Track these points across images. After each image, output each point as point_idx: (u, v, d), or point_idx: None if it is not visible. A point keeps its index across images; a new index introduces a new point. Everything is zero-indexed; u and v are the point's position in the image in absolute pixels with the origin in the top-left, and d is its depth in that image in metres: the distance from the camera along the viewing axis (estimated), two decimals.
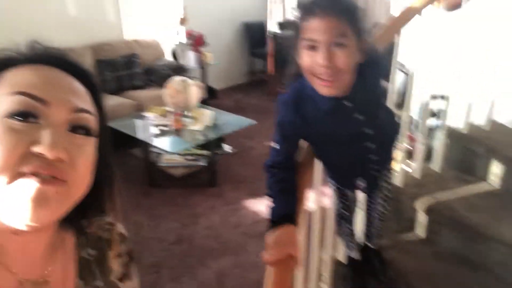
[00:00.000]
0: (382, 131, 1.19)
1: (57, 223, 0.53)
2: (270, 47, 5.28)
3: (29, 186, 0.43)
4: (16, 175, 0.43)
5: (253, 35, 5.70)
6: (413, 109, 2.03)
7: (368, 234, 1.52)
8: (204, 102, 4.24)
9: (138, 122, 3.28)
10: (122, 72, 3.96)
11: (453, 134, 1.86)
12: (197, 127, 3.13)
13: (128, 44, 4.22)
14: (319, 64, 0.91)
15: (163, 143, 2.97)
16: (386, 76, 1.37)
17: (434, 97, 1.93)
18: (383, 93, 1.24)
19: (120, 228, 0.65)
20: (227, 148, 3.67)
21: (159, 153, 3.32)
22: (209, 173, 3.17)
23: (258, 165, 3.58)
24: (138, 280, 0.66)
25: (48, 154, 0.44)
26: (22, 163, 0.43)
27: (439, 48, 1.97)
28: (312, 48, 0.91)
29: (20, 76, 0.48)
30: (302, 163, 1.14)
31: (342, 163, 1.23)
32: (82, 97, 0.51)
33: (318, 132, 1.10)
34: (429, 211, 1.58)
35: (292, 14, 0.99)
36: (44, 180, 0.44)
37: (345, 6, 0.93)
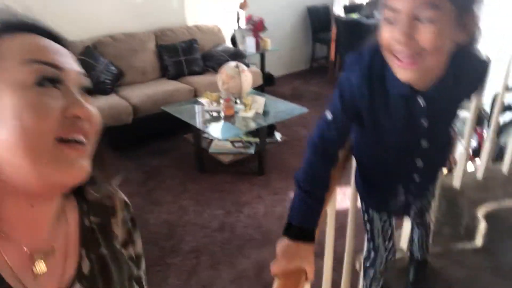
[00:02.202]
0: (437, 152, 1.02)
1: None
2: (334, 31, 5.03)
3: (69, 154, 0.46)
4: (54, 141, 0.45)
5: (317, 19, 5.47)
6: (485, 101, 1.76)
7: (411, 244, 1.35)
8: (261, 89, 4.17)
9: (193, 108, 3.31)
10: (182, 57, 4.03)
11: None
12: (248, 114, 3.07)
13: (189, 30, 4.27)
14: (397, 40, 0.74)
15: (214, 130, 2.96)
16: (479, 90, 1.03)
17: (509, 89, 1.64)
18: (460, 110, 1.01)
19: (122, 195, 0.64)
20: (278, 136, 3.57)
21: (210, 140, 3.33)
22: (257, 161, 3.11)
23: None
24: (141, 245, 0.67)
25: (82, 115, 0.47)
26: (59, 128, 0.45)
27: None
28: (392, 21, 0.75)
29: (24, 43, 0.48)
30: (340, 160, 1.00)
31: (383, 171, 1.07)
32: (74, 60, 0.53)
33: (373, 121, 0.92)
34: (490, 217, 1.35)
35: None
36: (79, 147, 0.47)
37: None
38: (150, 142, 3.55)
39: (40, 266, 0.50)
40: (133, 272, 0.63)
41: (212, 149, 3.28)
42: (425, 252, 1.33)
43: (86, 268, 0.55)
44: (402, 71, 0.78)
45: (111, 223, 0.61)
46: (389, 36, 0.76)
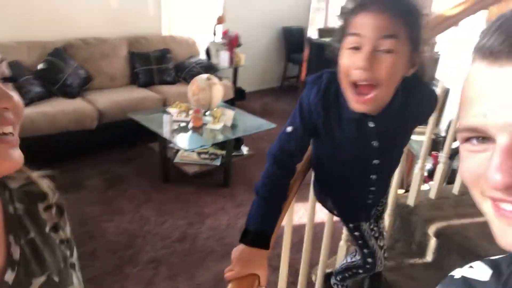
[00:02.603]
0: (389, 166, 1.09)
1: None
2: (306, 53, 5.17)
3: (5, 149, 0.45)
4: None
5: (291, 40, 5.62)
6: (443, 127, 1.86)
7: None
8: (232, 103, 4.20)
9: (160, 117, 3.28)
10: (153, 66, 4.01)
11: None
12: (216, 126, 3.08)
13: (163, 39, 4.27)
14: (358, 66, 0.78)
15: (181, 140, 2.95)
16: (428, 116, 1.10)
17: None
18: (411, 133, 1.07)
19: (47, 182, 0.63)
20: (244, 150, 3.60)
21: (176, 150, 3.31)
22: (223, 173, 3.11)
23: None
24: (69, 230, 0.66)
25: (9, 105, 0.46)
26: None
27: None
28: (355, 48, 0.79)
29: None
30: (297, 172, 1.03)
31: (342, 185, 1.12)
32: None
33: (329, 137, 0.97)
34: (440, 234, 1.42)
35: (342, 8, 0.86)
36: (9, 138, 0.46)
37: (404, 7, 0.79)
38: (114, 149, 3.48)
39: None
40: (67, 255, 0.63)
41: (178, 159, 3.26)
42: (381, 264, 1.38)
43: (16, 253, 0.54)
44: (359, 105, 0.83)
45: (38, 209, 0.60)
46: (349, 62, 0.80)
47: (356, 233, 1.20)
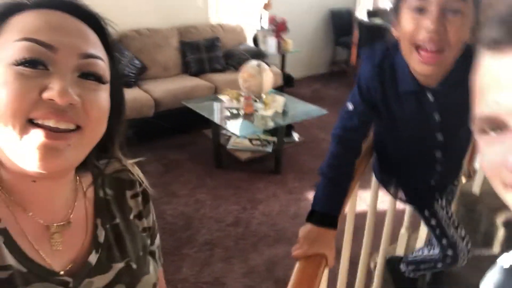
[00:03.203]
0: (455, 144, 1.03)
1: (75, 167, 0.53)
2: (355, 35, 5.02)
3: (38, 138, 0.43)
4: (27, 123, 0.44)
5: (340, 23, 5.46)
6: None
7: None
8: (280, 90, 4.20)
9: (212, 104, 3.35)
10: (204, 54, 4.08)
11: None
12: (267, 112, 3.10)
13: (212, 28, 4.33)
14: (427, 29, 0.74)
15: (233, 126, 3.00)
16: None
17: None
18: None
19: (137, 170, 0.66)
20: (296, 136, 3.59)
21: (229, 136, 3.37)
22: (274, 160, 3.14)
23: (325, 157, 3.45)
24: (154, 219, 0.68)
25: (59, 99, 0.43)
26: (33, 110, 0.43)
27: None
28: (420, 10, 0.75)
29: (25, 22, 0.46)
30: (362, 153, 1.03)
31: (406, 163, 1.09)
32: (91, 42, 0.49)
33: (389, 112, 0.95)
34: (508, 224, 1.35)
35: None
36: (54, 135, 0.44)
37: None
38: (169, 136, 3.61)
39: (56, 239, 0.52)
40: (147, 243, 0.65)
41: (230, 145, 3.32)
42: None
43: (101, 237, 0.57)
44: (425, 67, 0.79)
45: (126, 196, 0.63)
46: (415, 25, 0.76)
47: (433, 222, 1.15)
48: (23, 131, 0.43)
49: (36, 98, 0.43)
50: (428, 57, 0.76)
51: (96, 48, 0.50)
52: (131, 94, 3.42)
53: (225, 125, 3.01)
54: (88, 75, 0.48)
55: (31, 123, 0.44)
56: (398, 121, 0.97)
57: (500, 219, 1.39)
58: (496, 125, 0.35)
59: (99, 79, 0.49)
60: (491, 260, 1.33)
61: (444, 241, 1.16)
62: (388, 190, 1.22)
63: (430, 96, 0.89)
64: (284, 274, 2.14)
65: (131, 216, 0.63)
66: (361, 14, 5.33)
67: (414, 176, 1.11)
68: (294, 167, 3.21)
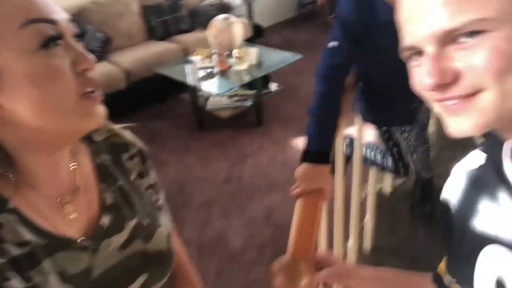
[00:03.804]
0: None
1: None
2: None
3: (96, 105, 0.49)
4: (77, 97, 0.47)
5: None
6: None
7: (416, 164, 1.43)
8: (250, 41, 4.11)
9: (185, 67, 3.28)
10: (168, 16, 3.93)
11: None
12: (242, 66, 3.06)
13: None
14: None
15: (209, 86, 2.97)
16: None
17: None
18: None
19: (129, 132, 0.67)
20: (274, 86, 3.58)
21: (207, 96, 3.34)
22: (256, 113, 3.15)
23: (305, 103, 3.46)
24: (155, 175, 0.71)
25: (90, 66, 0.48)
26: (77, 85, 0.47)
27: None
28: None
29: (12, 6, 0.44)
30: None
31: (386, 90, 1.12)
32: (60, 7, 0.50)
33: (370, 43, 0.97)
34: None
35: None
36: (95, 95, 0.49)
37: None
38: (146, 106, 3.56)
39: (69, 208, 0.55)
40: (153, 199, 0.68)
41: (210, 106, 3.30)
42: (429, 171, 1.42)
43: (109, 199, 0.59)
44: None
45: (122, 158, 0.64)
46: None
47: (395, 149, 1.24)
48: (77, 106, 0.47)
49: (73, 74, 0.47)
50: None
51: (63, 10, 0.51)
52: (99, 68, 3.28)
53: (201, 86, 2.97)
54: (77, 37, 0.50)
55: (80, 96, 0.48)
56: (380, 52, 0.98)
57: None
58: (416, 52, 0.42)
59: (81, 37, 0.51)
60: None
61: (399, 163, 1.31)
62: (368, 120, 1.26)
63: None
64: (282, 219, 2.22)
65: (132, 177, 0.65)
66: None
67: (396, 101, 1.14)
68: (276, 117, 3.24)
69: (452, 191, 0.54)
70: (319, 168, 0.93)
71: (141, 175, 0.67)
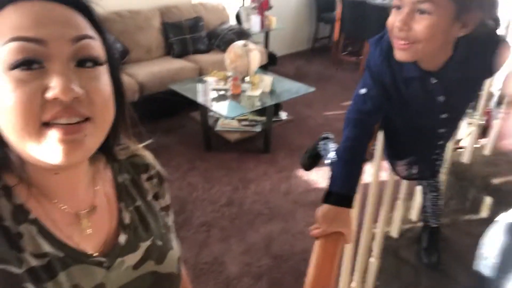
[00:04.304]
0: (457, 118, 1.12)
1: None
2: (339, 11, 5.00)
3: (56, 137, 0.44)
4: (40, 127, 0.44)
5: None
6: (494, 82, 1.80)
7: (424, 213, 1.43)
8: (264, 68, 4.18)
9: (199, 86, 3.33)
10: (187, 35, 4.01)
11: None
12: (255, 93, 3.10)
13: (194, 7, 4.24)
14: (396, 25, 0.84)
15: (220, 108, 2.99)
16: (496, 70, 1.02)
17: None
18: (480, 88, 1.09)
19: (149, 153, 0.67)
20: (283, 115, 3.61)
21: (217, 118, 3.37)
22: (263, 139, 3.16)
23: (314, 134, 3.48)
24: (169, 197, 0.70)
25: (63, 97, 0.43)
26: (42, 113, 0.43)
27: None
28: (398, 8, 0.85)
29: (6, 20, 0.43)
30: None
31: (408, 140, 1.15)
32: (78, 24, 0.47)
33: (397, 95, 1.01)
34: (497, 190, 1.42)
35: None
36: (70, 129, 0.44)
37: None
38: (156, 120, 3.58)
39: (85, 223, 0.55)
40: (167, 221, 0.68)
41: (219, 127, 3.32)
42: (438, 219, 1.41)
43: (127, 219, 0.60)
44: (399, 52, 0.88)
45: (141, 179, 0.65)
46: (392, 20, 0.87)
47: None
48: (40, 135, 0.44)
49: (42, 101, 0.43)
50: (400, 45, 0.86)
51: (85, 28, 0.48)
52: None
53: (213, 107, 3.00)
54: (85, 62, 0.46)
55: (45, 125, 0.44)
56: (406, 103, 1.02)
57: (488, 186, 1.46)
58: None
59: (96, 61, 0.47)
60: (479, 224, 1.41)
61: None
62: (394, 169, 1.27)
63: (433, 80, 0.94)
64: (282, 249, 2.20)
65: (149, 198, 0.65)
66: None
67: (419, 153, 1.17)
68: (283, 145, 3.25)
69: (491, 245, 0.52)
70: (341, 211, 0.92)
71: (157, 197, 0.67)
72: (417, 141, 1.14)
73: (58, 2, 0.46)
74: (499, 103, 1.77)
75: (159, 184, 0.68)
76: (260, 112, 3.28)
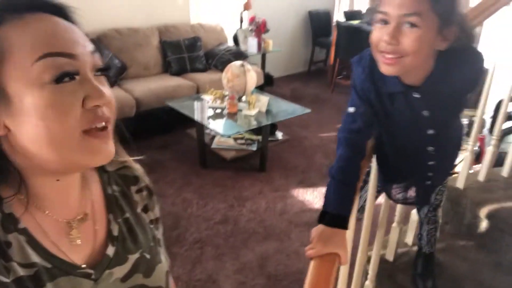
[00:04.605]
0: (446, 137, 1.10)
1: None
2: (334, 36, 5.13)
3: (98, 142, 0.48)
4: (80, 133, 0.47)
5: (318, 24, 5.57)
6: (487, 109, 1.86)
7: (420, 239, 1.44)
8: (261, 89, 4.24)
9: (196, 104, 3.36)
10: (185, 54, 4.07)
11: None
12: (251, 112, 3.14)
13: (193, 28, 4.32)
14: (384, 40, 0.85)
15: (217, 126, 3.02)
16: (476, 83, 1.04)
17: None
18: (464, 103, 1.08)
19: (139, 166, 0.68)
20: (279, 135, 3.65)
21: (213, 135, 3.39)
22: (259, 158, 3.18)
23: (309, 155, 3.51)
24: (158, 209, 0.71)
25: (101, 102, 0.47)
26: (83, 121, 0.47)
27: None
28: (384, 22, 0.86)
29: (34, 34, 0.45)
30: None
31: (399, 160, 1.16)
32: (85, 37, 0.50)
33: (383, 111, 1.02)
34: (492, 216, 1.45)
35: None
36: (105, 133, 0.49)
37: None
38: (152, 136, 3.58)
39: (75, 233, 0.55)
40: (155, 234, 0.68)
41: (215, 145, 3.33)
42: (432, 246, 1.42)
43: (115, 231, 0.60)
44: (385, 67, 0.89)
45: (131, 191, 0.65)
46: (378, 35, 0.87)
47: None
48: (82, 141, 0.47)
49: (82, 110, 0.46)
50: (388, 60, 0.87)
51: (89, 40, 0.50)
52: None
53: (209, 125, 3.02)
54: (100, 70, 0.50)
55: (84, 132, 0.47)
56: (393, 119, 1.03)
57: (483, 212, 1.49)
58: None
59: (107, 70, 0.52)
60: (475, 250, 1.42)
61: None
62: (388, 194, 1.29)
63: (416, 94, 0.96)
64: (276, 269, 2.18)
65: (138, 210, 0.65)
66: (338, 16, 5.45)
67: (409, 174, 1.17)
68: (278, 165, 3.27)
69: None
70: (336, 232, 0.92)
71: (146, 209, 0.67)
72: (407, 160, 1.13)
73: (57, 16, 0.48)
74: (491, 129, 1.82)
75: (148, 197, 0.68)
76: (256, 131, 3.31)
